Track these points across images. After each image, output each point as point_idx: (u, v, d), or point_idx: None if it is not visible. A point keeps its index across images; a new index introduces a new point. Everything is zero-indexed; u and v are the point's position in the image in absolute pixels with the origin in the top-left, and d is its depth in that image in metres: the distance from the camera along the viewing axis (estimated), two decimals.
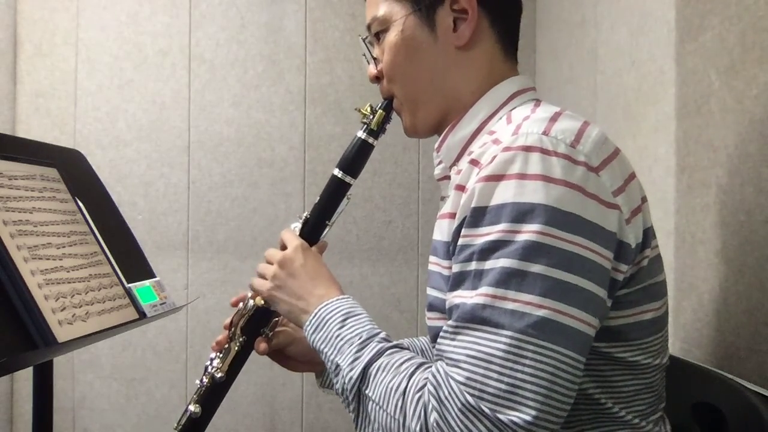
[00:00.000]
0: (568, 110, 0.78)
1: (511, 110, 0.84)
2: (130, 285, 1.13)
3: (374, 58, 0.94)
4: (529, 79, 0.91)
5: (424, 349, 1.10)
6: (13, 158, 1.04)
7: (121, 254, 1.16)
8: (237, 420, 2.02)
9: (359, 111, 0.97)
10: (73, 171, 1.19)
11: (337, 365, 0.79)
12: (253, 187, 2.03)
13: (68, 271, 1.00)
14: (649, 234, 0.77)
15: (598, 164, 0.71)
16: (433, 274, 0.83)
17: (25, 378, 1.97)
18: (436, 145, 0.91)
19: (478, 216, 0.70)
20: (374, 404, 0.74)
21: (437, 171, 0.93)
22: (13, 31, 2.01)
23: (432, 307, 0.83)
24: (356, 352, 0.78)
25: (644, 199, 0.77)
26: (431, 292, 0.83)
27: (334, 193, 0.97)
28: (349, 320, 0.82)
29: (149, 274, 1.24)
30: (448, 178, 0.90)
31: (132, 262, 1.21)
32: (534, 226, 0.66)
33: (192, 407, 0.97)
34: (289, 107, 2.03)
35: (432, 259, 0.85)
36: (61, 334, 0.91)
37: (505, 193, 0.68)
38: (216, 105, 2.03)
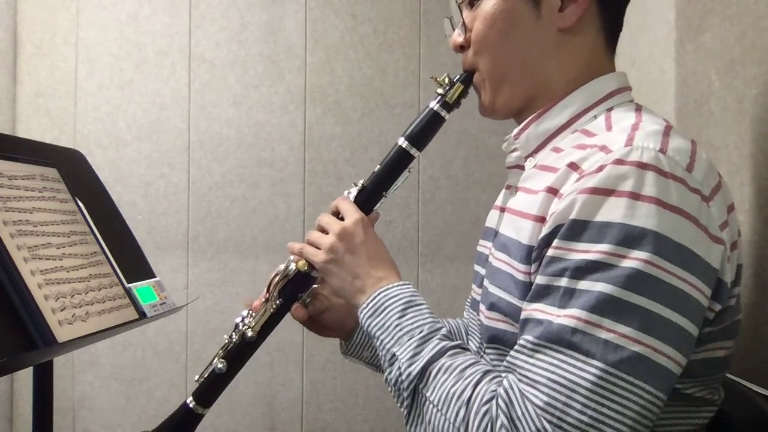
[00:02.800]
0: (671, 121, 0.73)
1: (608, 110, 0.79)
2: (130, 285, 1.13)
3: (463, 24, 0.85)
4: (626, 77, 0.84)
5: (452, 330, 1.07)
6: (13, 158, 1.04)
7: (121, 254, 1.16)
8: (237, 420, 2.02)
9: (435, 80, 0.89)
10: (73, 171, 1.19)
11: (394, 355, 0.76)
12: (253, 187, 2.03)
13: (68, 271, 1.00)
14: (740, 271, 0.73)
15: (709, 193, 0.67)
16: (501, 273, 0.78)
17: (25, 378, 1.97)
18: (514, 132, 0.84)
19: (576, 229, 0.65)
20: (432, 406, 0.71)
21: (510, 159, 0.86)
22: (13, 31, 2.01)
23: (494, 307, 0.78)
24: (416, 347, 0.75)
25: (739, 233, 0.73)
26: (496, 292, 0.78)
27: (396, 164, 0.91)
28: (409, 310, 0.79)
29: (149, 274, 1.24)
30: (520, 167, 0.85)
31: (132, 262, 1.21)
32: (642, 254, 0.62)
33: (217, 362, 0.94)
34: (289, 107, 2.03)
35: (500, 255, 0.79)
36: (61, 334, 0.91)
37: (613, 212, 0.63)
38: (216, 105, 2.03)
